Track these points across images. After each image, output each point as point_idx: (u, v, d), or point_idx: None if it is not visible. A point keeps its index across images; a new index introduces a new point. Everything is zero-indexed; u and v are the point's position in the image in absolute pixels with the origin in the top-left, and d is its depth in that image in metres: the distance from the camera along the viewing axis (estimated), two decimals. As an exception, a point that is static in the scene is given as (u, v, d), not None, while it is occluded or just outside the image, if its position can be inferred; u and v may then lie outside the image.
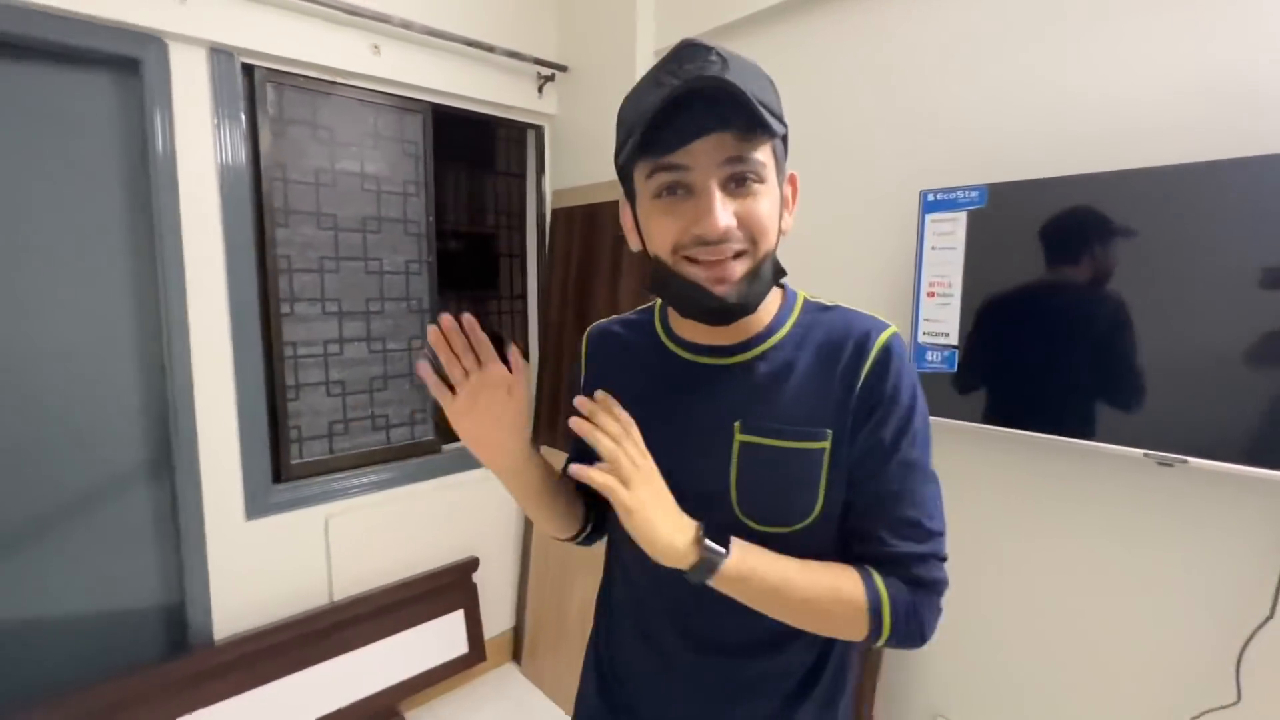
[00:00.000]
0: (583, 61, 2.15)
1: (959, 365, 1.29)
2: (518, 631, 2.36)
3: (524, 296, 2.61)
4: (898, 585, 0.61)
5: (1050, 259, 1.16)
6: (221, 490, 1.68)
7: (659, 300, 0.74)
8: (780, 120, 0.59)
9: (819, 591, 0.60)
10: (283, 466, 1.82)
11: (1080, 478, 1.22)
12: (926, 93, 1.39)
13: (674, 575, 0.61)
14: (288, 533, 1.80)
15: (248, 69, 1.66)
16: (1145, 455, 1.07)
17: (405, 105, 1.96)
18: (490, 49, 1.99)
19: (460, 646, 2.12)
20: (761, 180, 0.58)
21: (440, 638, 2.06)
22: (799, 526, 0.64)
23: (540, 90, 2.21)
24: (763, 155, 0.58)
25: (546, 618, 2.22)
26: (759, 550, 0.61)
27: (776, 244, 0.62)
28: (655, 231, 0.60)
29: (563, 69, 2.18)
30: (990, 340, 1.26)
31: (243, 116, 1.65)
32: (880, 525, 0.63)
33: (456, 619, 2.12)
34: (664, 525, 0.59)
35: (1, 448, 1.45)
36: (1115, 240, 1.09)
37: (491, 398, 0.61)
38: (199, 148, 1.58)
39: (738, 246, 0.58)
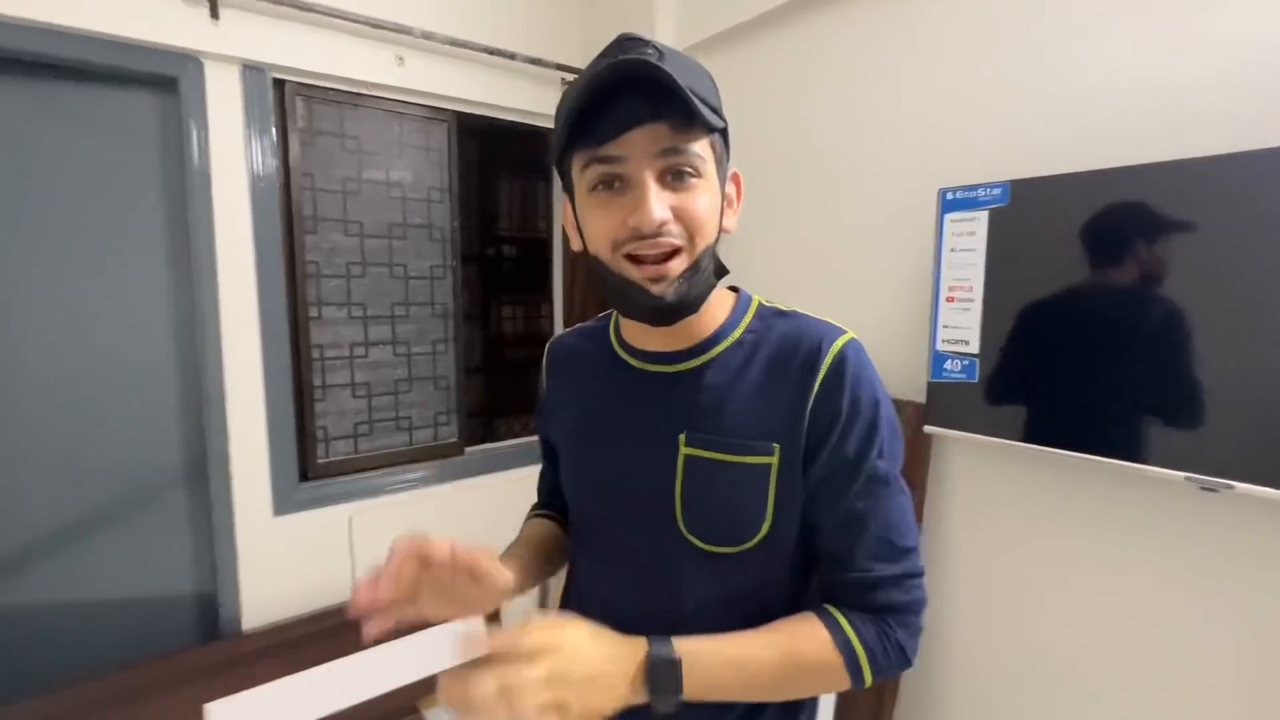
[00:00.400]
0: (606, 65, 2.14)
1: (979, 375, 1.20)
2: (539, 635, 2.36)
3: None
4: (864, 622, 0.58)
5: (1088, 259, 1.06)
6: (251, 487, 1.76)
7: (615, 312, 0.72)
8: (719, 115, 0.57)
9: (789, 666, 0.56)
10: (309, 465, 1.88)
11: (1113, 501, 1.11)
12: (943, 86, 1.31)
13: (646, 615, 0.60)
14: (313, 529, 1.86)
15: (278, 83, 1.74)
16: (1187, 479, 0.96)
17: (430, 114, 2.00)
18: (512, 56, 2.01)
19: (482, 647, 2.14)
20: (699, 175, 0.56)
21: (461, 640, 2.08)
22: (747, 546, 0.61)
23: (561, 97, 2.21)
24: (700, 149, 0.56)
25: (565, 622, 2.21)
26: (709, 648, 0.55)
27: (717, 240, 0.60)
28: (592, 227, 0.58)
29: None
30: (1016, 349, 1.17)
31: (273, 129, 1.72)
32: (852, 549, 0.60)
33: (477, 620, 2.13)
34: (602, 699, 0.51)
35: (54, 447, 1.56)
36: (1165, 240, 0.98)
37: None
38: (232, 159, 1.67)
39: (675, 241, 0.56)
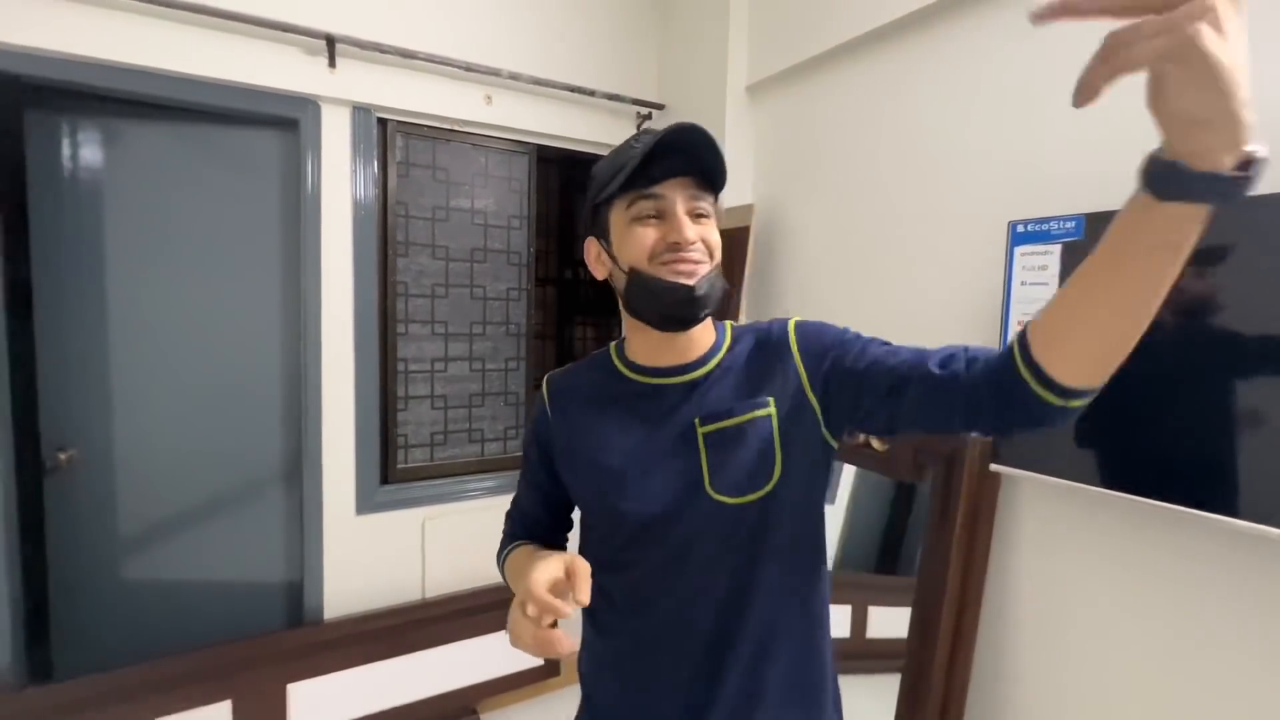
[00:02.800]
0: (679, 99, 2.23)
1: (1050, 413, 1.15)
2: (594, 650, 2.40)
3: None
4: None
5: (1171, 297, 1.01)
6: (338, 487, 1.92)
7: (611, 345, 0.85)
8: (722, 181, 0.73)
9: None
10: (389, 470, 2.03)
11: (1199, 557, 1.03)
12: (1015, 118, 1.28)
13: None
14: (390, 530, 2.00)
15: (381, 121, 1.93)
16: (1284, 535, 0.89)
17: (512, 148, 2.15)
18: (591, 93, 2.13)
19: (536, 659, 2.21)
20: (710, 217, 0.73)
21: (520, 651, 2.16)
22: (764, 492, 0.70)
23: (639, 127, 2.32)
24: (709, 203, 0.72)
25: (620, 640, 2.23)
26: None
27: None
28: (632, 246, 0.71)
29: (659, 107, 2.27)
30: (1101, 390, 1.11)
31: (375, 162, 1.91)
32: (909, 357, 0.64)
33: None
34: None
35: (182, 441, 1.78)
36: (1264, 277, 0.92)
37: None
38: (339, 189, 1.86)
39: (699, 256, 0.70)
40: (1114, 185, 1.12)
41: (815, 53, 1.73)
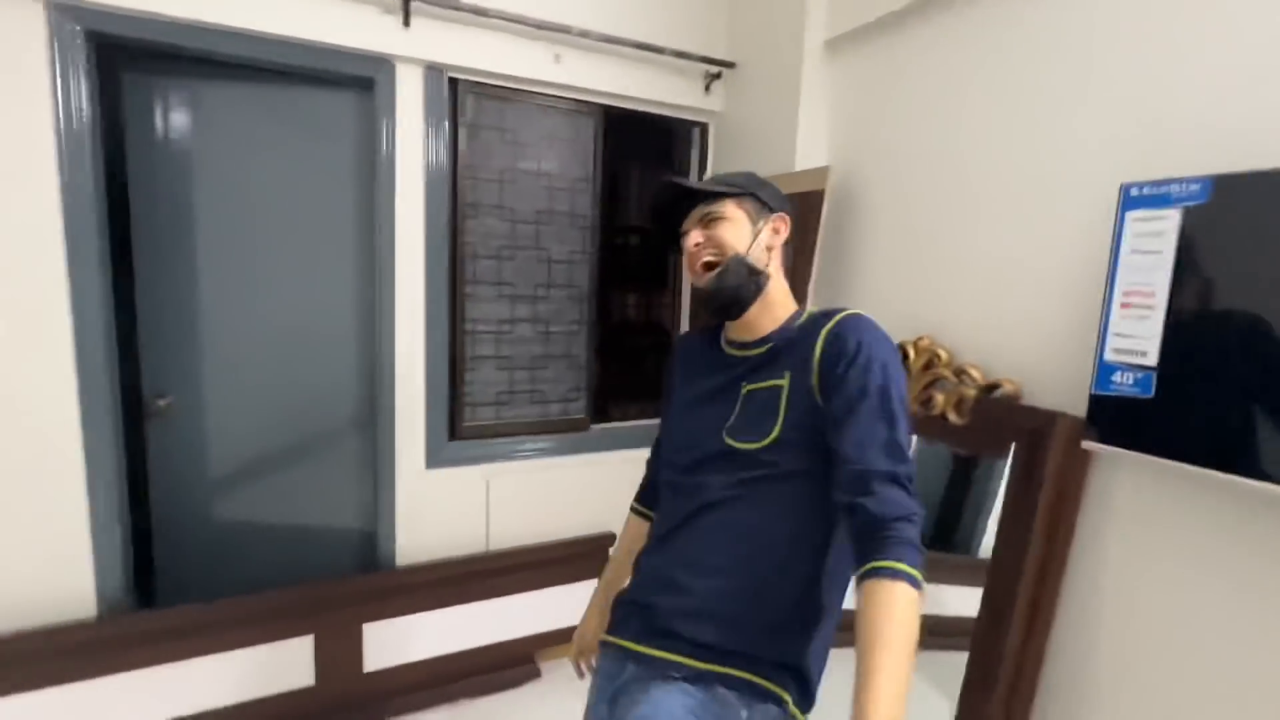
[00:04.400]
0: (751, 57, 2.14)
1: (1156, 389, 1.09)
2: (647, 610, 2.45)
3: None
4: (893, 548, 0.74)
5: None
6: (409, 441, 1.99)
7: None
8: (732, 184, 0.95)
9: (906, 640, 0.70)
10: (457, 427, 2.09)
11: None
12: (1133, 68, 1.18)
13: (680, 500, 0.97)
14: (457, 484, 2.08)
15: (452, 82, 1.93)
16: None
17: (579, 108, 2.13)
18: (660, 50, 2.08)
19: (593, 613, 2.28)
20: (725, 218, 0.93)
21: (575, 600, 2.23)
22: (764, 443, 0.88)
23: (707, 88, 2.25)
24: (722, 208, 0.93)
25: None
26: (875, 688, 0.67)
27: (755, 255, 0.93)
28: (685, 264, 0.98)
29: (730, 65, 2.19)
30: (1210, 364, 1.03)
31: (446, 123, 1.92)
32: (855, 446, 0.81)
33: (590, 587, 2.27)
34: None
35: (265, 401, 1.89)
36: None
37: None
38: (412, 151, 1.88)
39: (708, 258, 0.93)
40: (1244, 143, 1.03)
41: (898, 7, 1.63)
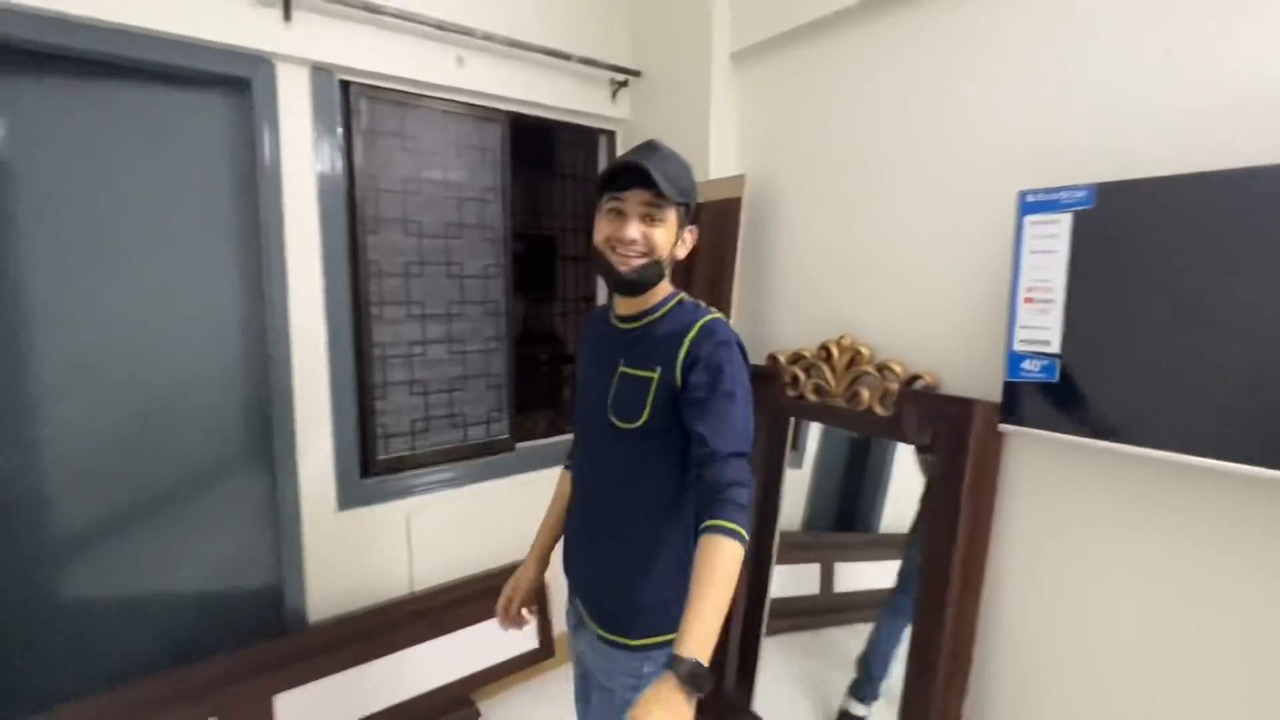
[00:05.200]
0: (656, 66, 2.16)
1: (1060, 375, 1.22)
2: (584, 629, 2.38)
3: (592, 299, 2.65)
4: (726, 510, 0.90)
5: (1180, 261, 1.08)
6: (317, 483, 1.78)
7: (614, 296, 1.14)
8: (684, 195, 1.03)
9: (726, 579, 0.86)
10: (369, 461, 1.91)
11: (1205, 504, 1.13)
12: (1024, 84, 1.32)
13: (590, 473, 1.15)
14: (374, 524, 1.89)
15: (344, 85, 1.76)
16: None
17: (485, 115, 2.02)
18: (567, 57, 2.03)
19: (530, 642, 2.17)
20: (661, 222, 1.02)
21: (512, 632, 2.11)
22: (637, 425, 1.03)
23: (614, 95, 2.24)
24: (663, 212, 1.02)
25: (613, 617, 2.23)
26: (693, 627, 0.83)
27: (667, 256, 1.05)
28: (599, 231, 1.05)
29: (636, 74, 2.20)
30: (1103, 349, 1.18)
31: (339, 130, 1.74)
32: (707, 432, 0.96)
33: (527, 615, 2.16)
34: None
35: (114, 438, 1.59)
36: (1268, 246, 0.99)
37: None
38: (301, 160, 1.69)
39: (641, 249, 1.01)
40: (1125, 154, 1.18)
41: (800, 22, 1.72)
